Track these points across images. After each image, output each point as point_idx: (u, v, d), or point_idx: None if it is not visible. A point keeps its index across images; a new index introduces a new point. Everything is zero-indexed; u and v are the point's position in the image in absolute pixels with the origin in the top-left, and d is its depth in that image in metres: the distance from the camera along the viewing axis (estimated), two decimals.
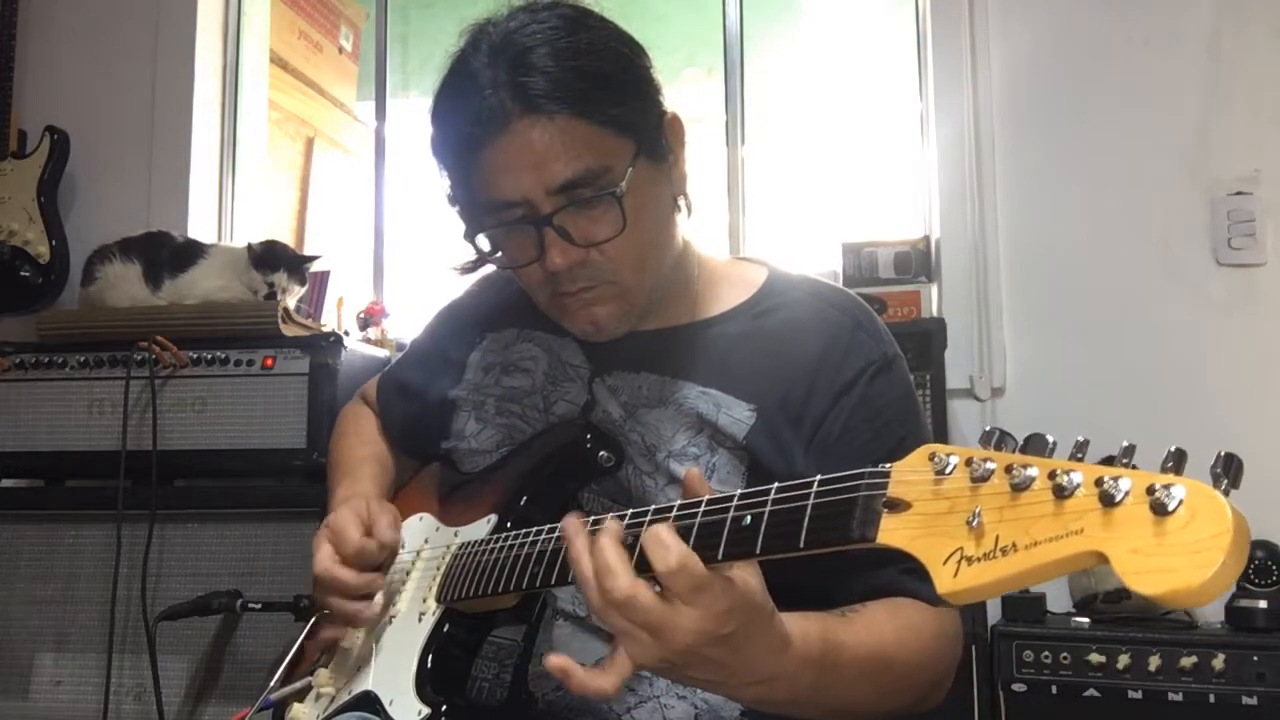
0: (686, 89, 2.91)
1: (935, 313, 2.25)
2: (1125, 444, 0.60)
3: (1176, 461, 0.58)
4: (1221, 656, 1.74)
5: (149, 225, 2.39)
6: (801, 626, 0.87)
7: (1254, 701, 1.71)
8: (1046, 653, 1.81)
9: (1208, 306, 2.18)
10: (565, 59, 1.00)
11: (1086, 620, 1.87)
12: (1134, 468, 0.59)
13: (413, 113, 3.09)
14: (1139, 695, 1.76)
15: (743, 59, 2.66)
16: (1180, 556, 0.53)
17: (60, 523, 1.99)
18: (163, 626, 1.82)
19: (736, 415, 1.07)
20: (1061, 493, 0.59)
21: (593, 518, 0.88)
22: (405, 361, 1.41)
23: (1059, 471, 0.59)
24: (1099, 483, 0.57)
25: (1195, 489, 0.55)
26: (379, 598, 1.11)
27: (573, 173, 1.00)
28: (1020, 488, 0.60)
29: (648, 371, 1.12)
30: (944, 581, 0.62)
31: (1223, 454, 0.57)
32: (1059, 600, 2.03)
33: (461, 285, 1.35)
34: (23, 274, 2.46)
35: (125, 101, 2.66)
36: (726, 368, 1.11)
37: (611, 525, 0.84)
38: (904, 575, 1.01)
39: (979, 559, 0.61)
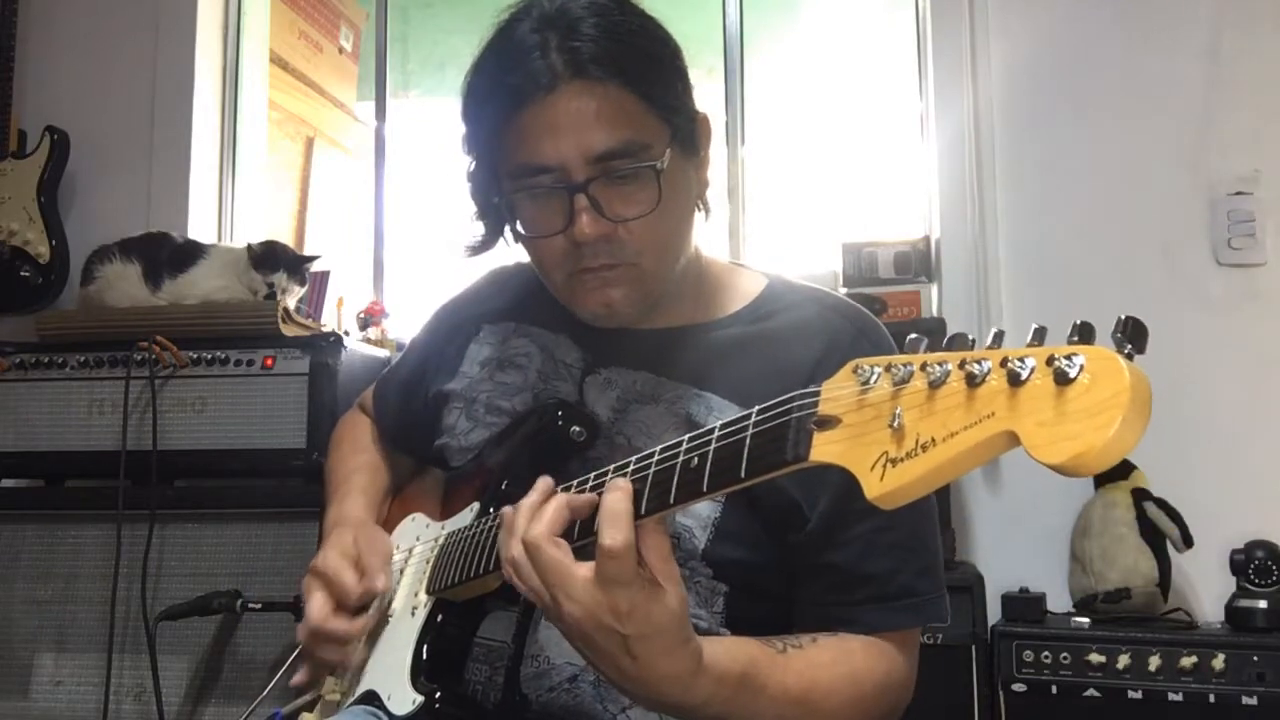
0: None
1: (935, 313, 2.25)
2: (1035, 326, 0.60)
3: (1082, 333, 0.57)
4: (1221, 656, 1.74)
5: (149, 225, 2.40)
6: (724, 661, 0.87)
7: (1254, 701, 1.72)
8: (1046, 653, 1.81)
9: (1208, 306, 2.18)
10: (615, 32, 1.02)
11: (1086, 620, 1.88)
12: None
13: (413, 113, 3.10)
14: (1139, 695, 1.76)
15: (743, 59, 2.66)
16: (1082, 422, 0.54)
17: (60, 523, 1.99)
18: (163, 626, 1.82)
19: (727, 419, 1.06)
20: (973, 381, 0.59)
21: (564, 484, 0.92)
22: (401, 361, 1.40)
23: (969, 361, 0.59)
24: (1004, 363, 0.58)
25: (1093, 354, 0.55)
26: (360, 643, 1.12)
27: (614, 142, 1.00)
28: (937, 384, 0.61)
29: (645, 370, 1.12)
30: (872, 486, 0.62)
31: (1123, 317, 0.57)
32: (1059, 600, 2.04)
33: (462, 277, 1.35)
34: (23, 274, 2.46)
35: (125, 101, 2.67)
36: (723, 371, 1.10)
37: (567, 497, 0.87)
38: (867, 604, 1.02)
39: (902, 459, 0.61)
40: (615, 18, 1.03)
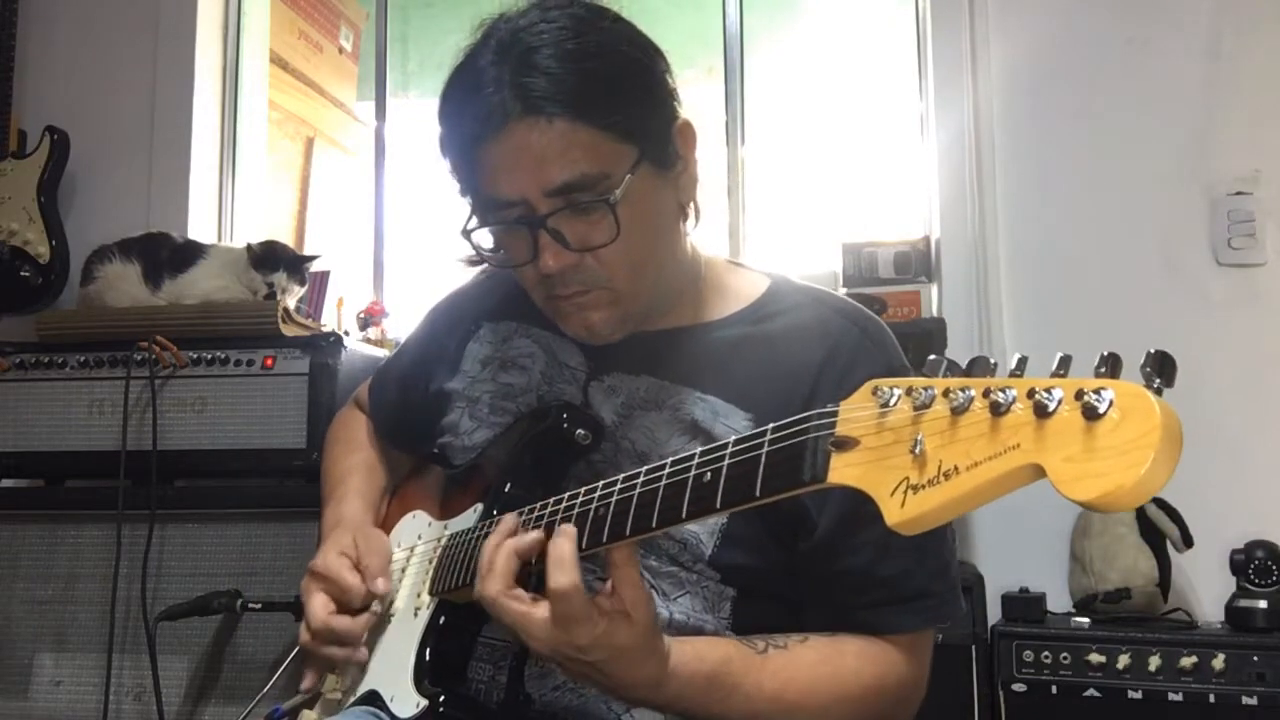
0: (686, 89, 2.91)
1: (935, 313, 2.25)
2: (1060, 355, 0.59)
3: (1111, 366, 0.56)
4: (1221, 656, 1.74)
5: (149, 225, 2.39)
6: (692, 663, 0.93)
7: (1254, 701, 1.72)
8: (1046, 653, 1.81)
9: (1208, 306, 2.18)
10: (570, 61, 0.99)
11: (1086, 620, 1.88)
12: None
13: (413, 113, 3.10)
14: (1139, 695, 1.76)
15: (743, 59, 2.66)
16: (1111, 459, 0.53)
17: (60, 523, 1.99)
18: (163, 626, 1.82)
19: (733, 424, 1.05)
20: (998, 409, 0.58)
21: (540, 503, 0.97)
22: (399, 354, 1.40)
23: (993, 389, 0.58)
24: (1031, 394, 0.57)
25: (1124, 390, 0.54)
26: (363, 648, 1.12)
27: (569, 176, 0.99)
28: (960, 410, 0.60)
29: (647, 374, 1.11)
30: (892, 513, 0.62)
31: (1153, 351, 0.56)
32: (1059, 600, 2.04)
33: (462, 276, 1.34)
34: (23, 274, 2.46)
35: (125, 101, 2.67)
36: (726, 374, 1.09)
37: (514, 544, 0.92)
38: (881, 606, 1.02)
39: (924, 486, 0.60)
40: (571, 44, 1.00)
